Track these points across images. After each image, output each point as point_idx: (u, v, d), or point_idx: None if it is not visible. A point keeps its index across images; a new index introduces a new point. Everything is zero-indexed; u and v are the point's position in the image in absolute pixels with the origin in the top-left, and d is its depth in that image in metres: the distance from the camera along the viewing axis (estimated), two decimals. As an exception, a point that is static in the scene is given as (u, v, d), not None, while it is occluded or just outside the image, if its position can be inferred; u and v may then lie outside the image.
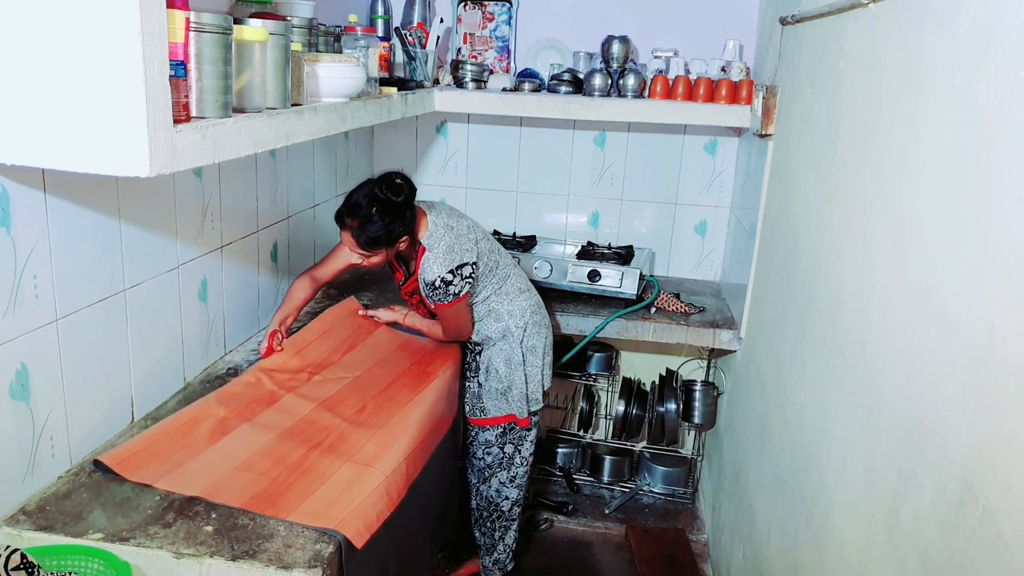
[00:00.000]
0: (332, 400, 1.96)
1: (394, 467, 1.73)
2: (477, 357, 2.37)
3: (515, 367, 2.33)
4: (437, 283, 2.11)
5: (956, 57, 1.09)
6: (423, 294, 2.19)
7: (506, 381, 2.34)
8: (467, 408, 2.41)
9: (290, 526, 1.46)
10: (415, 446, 1.88)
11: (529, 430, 2.42)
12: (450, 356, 2.34)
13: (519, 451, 2.43)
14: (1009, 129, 0.93)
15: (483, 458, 2.43)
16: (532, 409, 2.40)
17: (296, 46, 1.66)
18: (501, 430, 2.38)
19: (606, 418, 3.27)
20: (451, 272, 2.11)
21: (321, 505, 1.53)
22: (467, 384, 2.41)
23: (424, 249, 2.13)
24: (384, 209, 2.00)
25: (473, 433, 2.42)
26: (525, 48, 3.06)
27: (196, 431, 1.74)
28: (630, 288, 2.69)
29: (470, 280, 2.16)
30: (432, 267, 2.11)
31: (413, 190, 2.07)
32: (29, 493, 1.50)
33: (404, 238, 2.09)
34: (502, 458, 2.42)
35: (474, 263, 2.16)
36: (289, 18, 1.70)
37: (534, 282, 2.76)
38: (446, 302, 2.15)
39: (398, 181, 2.03)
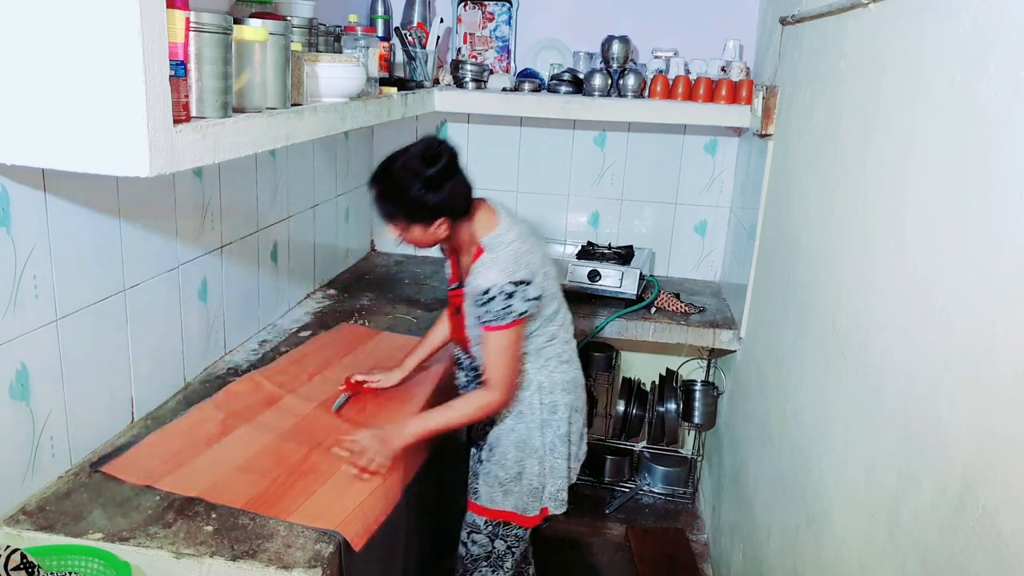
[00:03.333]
0: (332, 400, 1.96)
1: (392, 468, 1.73)
2: (487, 428, 1.89)
3: (530, 453, 1.84)
4: (494, 292, 1.64)
5: (956, 57, 1.09)
6: (467, 313, 1.74)
7: (514, 468, 1.84)
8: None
9: (290, 526, 1.46)
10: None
11: (532, 530, 1.92)
12: (449, 356, 2.22)
13: (512, 552, 1.91)
14: (1009, 129, 0.93)
15: (466, 543, 1.93)
16: (553, 508, 1.89)
17: (296, 46, 1.66)
18: (494, 523, 1.90)
19: (606, 418, 3.27)
20: (513, 284, 1.64)
21: (321, 506, 1.53)
22: (472, 451, 2.00)
23: (482, 250, 1.70)
24: (414, 178, 1.62)
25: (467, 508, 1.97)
26: (525, 48, 3.06)
27: (196, 433, 1.75)
28: (630, 288, 2.69)
29: (530, 307, 1.69)
30: (489, 272, 1.65)
31: (453, 157, 1.67)
32: (29, 493, 1.50)
33: (442, 220, 1.67)
34: (490, 552, 1.91)
35: (538, 297, 1.70)
36: (289, 18, 1.70)
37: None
38: (503, 323, 1.65)
39: (438, 147, 1.66)
